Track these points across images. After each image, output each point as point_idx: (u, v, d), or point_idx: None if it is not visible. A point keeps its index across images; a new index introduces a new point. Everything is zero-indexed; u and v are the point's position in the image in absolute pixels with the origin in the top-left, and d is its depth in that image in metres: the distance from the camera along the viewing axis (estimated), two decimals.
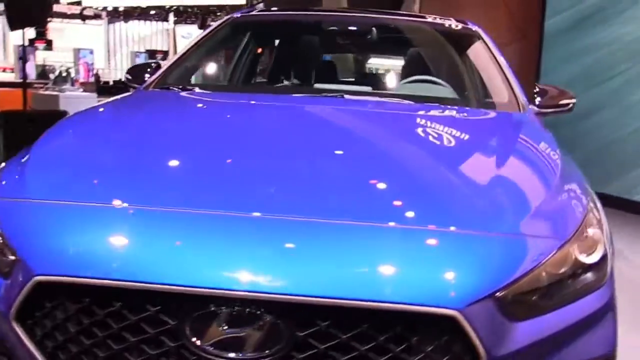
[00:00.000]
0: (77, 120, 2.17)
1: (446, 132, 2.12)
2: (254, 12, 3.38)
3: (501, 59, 2.84)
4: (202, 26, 29.44)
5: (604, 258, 1.49)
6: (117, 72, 27.75)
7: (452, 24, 3.18)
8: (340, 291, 1.21)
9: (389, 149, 1.92)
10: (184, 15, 31.39)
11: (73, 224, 1.39)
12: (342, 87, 2.96)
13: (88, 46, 25.50)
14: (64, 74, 15.15)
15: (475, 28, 3.12)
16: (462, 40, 3.11)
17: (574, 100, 2.74)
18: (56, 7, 26.41)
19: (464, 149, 2.00)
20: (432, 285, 1.28)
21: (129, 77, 2.87)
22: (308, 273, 1.26)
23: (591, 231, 1.53)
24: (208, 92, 2.66)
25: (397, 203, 1.51)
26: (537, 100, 2.70)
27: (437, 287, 1.28)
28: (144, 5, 29.13)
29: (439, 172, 1.75)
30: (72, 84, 13.90)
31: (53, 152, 1.79)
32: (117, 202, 1.45)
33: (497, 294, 1.30)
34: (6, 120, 7.44)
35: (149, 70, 2.84)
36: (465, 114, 2.41)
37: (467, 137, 2.11)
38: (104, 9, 29.25)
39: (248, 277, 1.23)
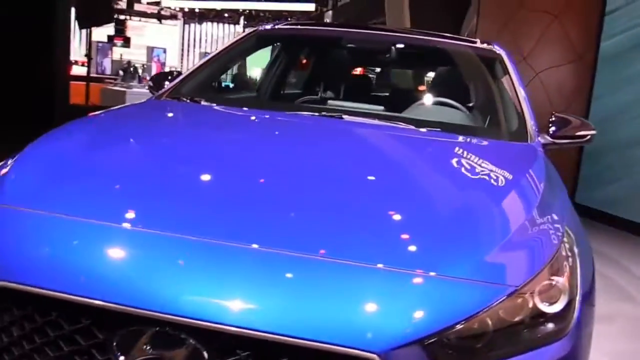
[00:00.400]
0: (70, 128, 2.13)
1: (428, 163, 2.08)
2: (279, 26, 3.32)
3: (518, 85, 2.78)
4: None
5: (568, 307, 1.41)
6: None
7: (476, 46, 3.12)
8: (258, 324, 1.20)
9: (360, 179, 1.83)
10: (256, 19, 32.18)
11: (21, 230, 1.42)
12: (350, 105, 2.90)
13: (163, 45, 26.52)
14: (132, 71, 15.86)
15: (499, 51, 3.04)
16: (483, 63, 3.05)
17: (592, 132, 2.62)
18: (137, 6, 27.70)
19: (439, 182, 1.91)
20: (353, 325, 1.22)
21: (151, 85, 2.93)
22: (229, 302, 1.23)
23: (555, 279, 1.43)
24: (213, 104, 2.61)
25: (340, 237, 1.44)
26: (552, 129, 2.60)
27: (359, 328, 1.22)
28: (218, 7, 30.08)
29: (402, 206, 1.65)
30: (140, 81, 14.54)
31: (35, 158, 1.80)
32: (65, 213, 1.46)
33: (428, 340, 1.23)
34: (69, 114, 7.94)
35: (169, 78, 2.87)
36: (460, 144, 2.31)
37: (448, 169, 2.02)
38: (181, 9, 30.38)
39: (173, 300, 1.23)
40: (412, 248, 1.44)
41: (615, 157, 6.72)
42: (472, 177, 1.96)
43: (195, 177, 1.73)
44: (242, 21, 30.96)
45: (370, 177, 1.86)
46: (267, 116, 2.49)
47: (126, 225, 1.43)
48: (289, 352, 1.18)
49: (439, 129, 2.38)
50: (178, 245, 1.35)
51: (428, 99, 3.02)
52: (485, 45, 3.10)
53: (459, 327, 1.26)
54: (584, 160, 7.22)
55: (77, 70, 15.99)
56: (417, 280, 1.33)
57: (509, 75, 2.83)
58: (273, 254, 1.34)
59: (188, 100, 2.60)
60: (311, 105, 2.90)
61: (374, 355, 1.18)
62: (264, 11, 30.29)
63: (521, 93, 2.70)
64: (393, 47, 3.31)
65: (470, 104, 3.02)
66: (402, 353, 1.20)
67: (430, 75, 3.37)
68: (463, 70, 3.20)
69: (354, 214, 1.56)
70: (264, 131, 2.31)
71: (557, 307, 1.39)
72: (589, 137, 2.61)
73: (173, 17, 30.82)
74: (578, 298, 1.46)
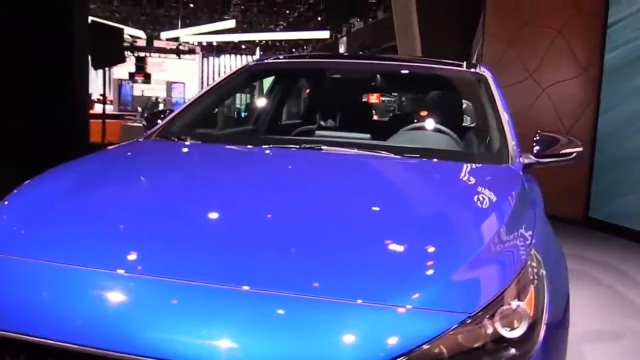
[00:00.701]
0: (57, 171, 2.14)
1: (395, 192, 2.09)
2: (269, 60, 3.37)
3: (501, 106, 2.73)
4: None
5: (530, 331, 1.42)
6: None
7: (460, 69, 3.10)
8: (206, 356, 1.24)
9: (333, 213, 1.82)
10: (272, 49, 32.70)
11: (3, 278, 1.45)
12: (336, 134, 2.96)
13: (182, 79, 27.08)
14: (149, 106, 16.23)
15: (483, 72, 3.01)
16: (468, 86, 3.06)
17: (578, 150, 2.55)
18: (156, 43, 28.40)
19: (404, 210, 1.89)
20: (296, 355, 1.26)
21: (145, 124, 2.92)
22: (213, 344, 1.27)
23: (516, 303, 1.44)
24: (198, 142, 2.63)
25: (307, 276, 1.45)
26: (535, 149, 2.54)
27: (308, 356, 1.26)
28: (236, 40, 30.67)
29: (363, 239, 1.64)
30: None
31: (21, 203, 1.82)
32: (30, 257, 1.50)
33: None
34: (88, 151, 8.16)
35: (162, 117, 2.86)
36: (434, 170, 2.31)
37: (414, 196, 2.04)
38: (199, 44, 31.07)
39: (117, 336, 1.28)
40: (368, 281, 1.44)
41: (622, 171, 6.66)
42: (437, 203, 1.96)
43: (174, 218, 1.73)
44: (257, 52, 31.47)
45: (342, 210, 1.86)
46: (245, 152, 2.51)
47: (110, 270, 1.44)
48: None
49: (417, 155, 2.37)
50: (166, 289, 1.37)
51: (414, 124, 3.03)
52: (470, 69, 3.09)
53: (413, 355, 1.28)
54: (595, 174, 7.16)
55: (99, 108, 16.40)
56: (367, 312, 1.35)
57: (493, 97, 2.80)
58: (259, 295, 1.36)
59: (175, 139, 2.62)
60: (294, 137, 2.93)
61: None
62: (280, 41, 30.82)
63: (504, 115, 2.66)
64: (378, 76, 3.36)
65: (456, 127, 3.01)
66: None
67: (420, 102, 3.39)
68: (448, 94, 3.21)
69: (317, 252, 1.56)
70: (239, 169, 2.31)
71: (518, 332, 1.40)
72: (574, 154, 2.53)
73: (191, 51, 31.50)
74: (544, 321, 1.46)
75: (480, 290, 1.44)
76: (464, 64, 3.14)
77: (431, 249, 1.60)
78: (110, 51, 7.89)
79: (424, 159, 2.36)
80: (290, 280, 1.41)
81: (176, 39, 28.92)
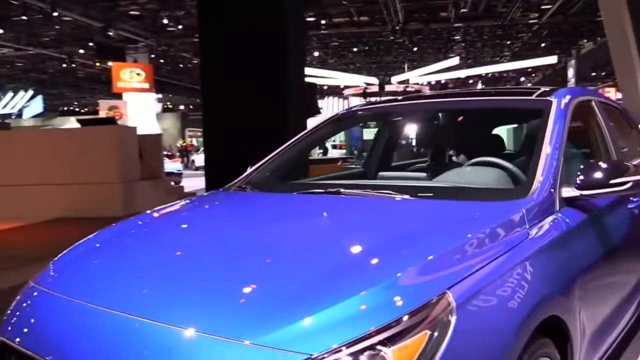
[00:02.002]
0: (119, 226, 2.32)
1: (343, 236, 1.95)
2: (356, 109, 3.36)
3: (548, 137, 2.34)
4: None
5: None
6: None
7: (525, 98, 2.85)
8: None
9: (265, 255, 1.81)
10: (500, 81, 32.79)
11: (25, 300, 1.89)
12: (394, 174, 2.96)
13: None
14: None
15: (550, 100, 2.58)
16: (529, 117, 2.86)
17: (634, 178, 2.20)
18: (387, 87, 30.70)
19: (326, 255, 1.75)
20: None
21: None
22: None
23: (382, 348, 1.36)
24: (255, 192, 2.67)
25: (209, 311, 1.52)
26: (579, 179, 2.18)
27: None
28: (462, 75, 31.58)
29: (266, 279, 1.64)
30: None
31: (75, 251, 2.14)
32: (52, 291, 1.84)
33: None
34: None
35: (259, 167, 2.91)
36: (423, 209, 2.15)
37: (355, 239, 1.89)
38: (428, 83, 32.67)
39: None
40: (243, 318, 1.46)
41: None
42: (370, 244, 1.82)
43: (149, 263, 1.87)
44: (479, 84, 31.83)
45: (273, 252, 1.85)
46: (276, 200, 2.54)
47: (74, 299, 1.74)
48: None
49: (430, 195, 2.27)
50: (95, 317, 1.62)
51: (477, 159, 2.79)
52: (542, 96, 2.69)
53: None
54: None
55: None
56: (214, 348, 1.41)
57: (545, 127, 2.41)
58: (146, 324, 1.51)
59: (246, 189, 2.68)
60: (317, 183, 2.92)
61: None
62: (506, 72, 30.84)
63: (546, 147, 2.28)
64: (440, 114, 3.33)
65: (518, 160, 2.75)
66: None
67: (478, 138, 3.28)
68: (508, 126, 3.34)
69: (223, 290, 1.61)
70: (254, 216, 2.32)
71: None
72: (630, 184, 2.19)
73: (418, 92, 33.12)
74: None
75: (337, 332, 1.38)
76: (538, 91, 2.79)
77: (310, 290, 1.53)
78: (309, 104, 8.95)
79: (428, 200, 2.22)
80: (180, 315, 1.52)
81: (406, 81, 30.87)
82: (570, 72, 25.22)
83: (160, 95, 32.79)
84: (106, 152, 9.52)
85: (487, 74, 31.14)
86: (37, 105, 30.50)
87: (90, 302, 1.68)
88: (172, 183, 13.62)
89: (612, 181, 2.16)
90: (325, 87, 34.43)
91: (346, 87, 31.09)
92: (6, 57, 24.34)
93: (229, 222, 2.28)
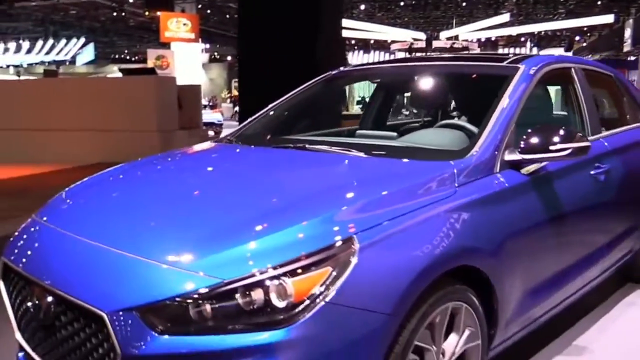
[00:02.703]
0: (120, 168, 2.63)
1: (292, 182, 2.21)
2: (345, 70, 3.48)
3: (503, 102, 2.43)
4: (570, 48, 29.26)
5: (295, 306, 1.54)
6: None
7: (496, 64, 2.86)
8: (69, 289, 1.74)
9: (211, 197, 2.10)
10: (554, 40, 31.67)
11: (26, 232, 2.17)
12: (370, 133, 3.10)
13: None
14: None
15: (519, 67, 2.66)
16: (498, 82, 2.68)
17: (574, 145, 2.26)
18: (435, 43, 30.13)
19: (263, 196, 2.02)
20: (99, 293, 1.67)
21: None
22: (59, 277, 1.81)
23: (285, 279, 1.56)
24: (239, 144, 2.89)
25: (143, 239, 1.81)
26: (522, 143, 2.28)
27: (103, 295, 1.66)
28: (514, 33, 30.63)
29: (203, 217, 1.88)
30: None
31: (70, 190, 2.43)
32: (43, 220, 2.16)
33: (141, 309, 1.57)
34: None
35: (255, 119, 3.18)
36: (362, 164, 2.33)
37: (294, 185, 2.15)
38: (478, 40, 31.82)
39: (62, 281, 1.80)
40: (169, 246, 1.72)
41: None
42: (302, 190, 2.05)
43: (124, 201, 2.18)
44: (529, 43, 30.80)
45: (221, 195, 2.10)
46: (245, 152, 2.79)
47: (60, 229, 2.04)
48: (70, 304, 1.74)
49: (382, 153, 2.42)
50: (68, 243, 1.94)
51: (445, 121, 2.98)
52: (504, 64, 2.77)
53: (170, 302, 1.57)
54: None
55: None
56: (148, 266, 1.67)
57: (504, 93, 2.49)
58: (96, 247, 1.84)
59: (233, 142, 2.93)
60: (291, 138, 2.98)
61: (103, 313, 1.61)
62: (560, 30, 29.72)
63: (497, 112, 2.38)
64: (416, 77, 3.37)
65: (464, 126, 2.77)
66: (122, 314, 1.59)
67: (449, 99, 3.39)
68: (476, 90, 3.03)
69: (168, 223, 1.89)
70: (221, 165, 2.60)
71: (282, 304, 1.55)
72: (570, 150, 2.25)
73: (465, 49, 32.33)
74: (327, 300, 1.56)
75: (248, 264, 1.60)
76: (511, 58, 2.84)
77: (235, 227, 1.76)
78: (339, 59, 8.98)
79: (376, 157, 2.37)
80: (136, 243, 1.79)
81: (454, 38, 30.17)
82: (628, 33, 24.05)
83: (207, 46, 33.14)
84: (145, 101, 9.91)
85: (539, 32, 30.10)
86: (89, 53, 31.29)
87: (70, 231, 1.98)
88: (212, 133, 13.98)
89: (553, 147, 2.26)
90: (372, 42, 34.01)
91: (393, 41, 30.64)
92: (60, 5, 25.01)
93: (198, 169, 2.55)
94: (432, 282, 1.79)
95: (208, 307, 1.56)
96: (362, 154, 2.40)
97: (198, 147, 2.99)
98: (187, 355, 1.55)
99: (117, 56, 39.92)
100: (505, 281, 2.14)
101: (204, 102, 25.01)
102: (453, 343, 1.98)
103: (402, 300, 1.68)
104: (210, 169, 2.56)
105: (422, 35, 29.27)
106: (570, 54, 27.29)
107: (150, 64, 23.27)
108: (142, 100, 9.92)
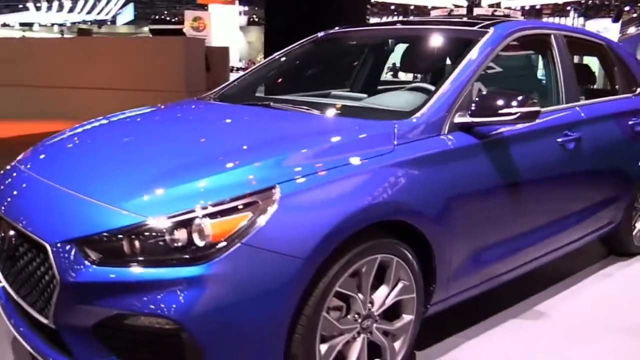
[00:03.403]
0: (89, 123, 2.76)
1: (241, 134, 2.33)
2: (332, 31, 3.49)
3: (462, 66, 2.48)
4: (618, 18, 28.09)
5: (212, 246, 1.68)
6: None
7: (464, 28, 2.92)
8: (26, 223, 1.92)
9: (171, 146, 2.22)
10: (602, 9, 30.40)
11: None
12: (337, 92, 3.15)
13: None
14: None
15: (486, 31, 2.68)
16: (464, 46, 2.70)
17: (523, 109, 2.29)
18: (476, 10, 29.35)
19: (210, 146, 2.18)
20: (46, 227, 1.86)
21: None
22: (30, 217, 1.96)
23: (204, 220, 1.70)
24: (216, 102, 3.03)
25: (93, 181, 1.98)
26: (473, 106, 2.33)
27: (50, 229, 1.84)
28: (560, 1, 29.58)
29: (154, 162, 2.04)
30: None
31: (49, 140, 2.56)
32: (20, 165, 2.30)
33: (78, 241, 1.74)
34: None
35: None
36: (311, 121, 2.43)
37: (240, 137, 2.26)
38: (522, 8, 30.85)
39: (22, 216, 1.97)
40: (109, 187, 1.90)
41: None
42: (252, 142, 2.15)
43: (90, 150, 2.36)
44: (572, 13, 29.68)
45: (169, 145, 2.25)
46: (211, 108, 2.93)
47: (34, 174, 2.18)
48: (29, 239, 1.91)
49: (339, 112, 2.52)
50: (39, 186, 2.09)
51: (412, 84, 3.02)
52: (476, 28, 2.78)
53: (102, 236, 1.73)
54: None
55: None
56: (86, 205, 1.85)
57: (464, 57, 2.53)
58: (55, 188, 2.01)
59: (209, 100, 3.09)
60: (261, 97, 3.18)
61: (47, 244, 1.79)
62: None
63: (454, 76, 2.43)
64: (390, 40, 3.50)
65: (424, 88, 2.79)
66: (63, 245, 1.76)
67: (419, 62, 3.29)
68: (446, 54, 3.03)
69: (116, 168, 2.06)
70: (188, 117, 2.76)
71: (200, 242, 1.69)
72: (518, 114, 2.28)
73: (507, 16, 31.43)
74: (237, 245, 1.69)
75: (174, 204, 1.75)
76: (485, 23, 2.84)
77: (171, 172, 1.91)
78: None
79: (328, 116, 2.48)
80: (86, 185, 1.97)
81: (496, 5, 29.33)
82: None
83: (245, 8, 33.10)
84: (173, 62, 10.05)
85: (586, 0, 28.99)
86: (129, 13, 31.69)
87: (38, 175, 2.15)
88: None
89: (502, 111, 2.30)
90: (412, 7, 33.35)
91: (433, 7, 29.97)
92: None
93: (162, 122, 2.69)
94: (354, 233, 1.88)
95: (136, 242, 1.72)
96: (317, 112, 2.48)
97: (177, 102, 3.11)
98: (115, 284, 1.70)
99: (156, 17, 40.24)
100: (445, 240, 2.21)
101: (239, 64, 25.05)
102: (383, 294, 2.08)
103: (319, 247, 1.78)
104: (172, 121, 2.69)
105: (463, 2, 28.54)
106: (618, 25, 26.25)
107: (187, 25, 23.49)
108: (169, 61, 10.08)
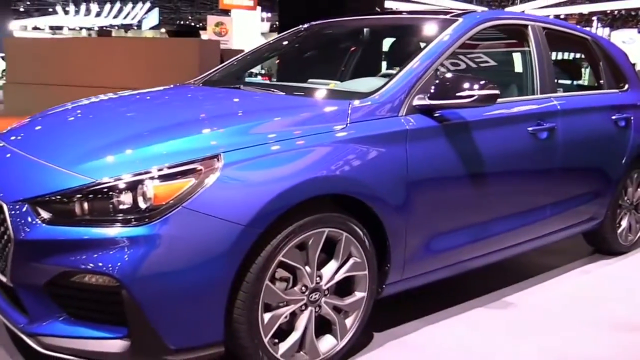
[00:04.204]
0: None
1: (208, 111, 2.42)
2: (314, 24, 3.55)
3: (427, 51, 2.53)
4: None
5: (154, 209, 1.76)
6: None
7: (438, 16, 2.92)
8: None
9: (145, 118, 2.35)
10: (629, 19, 29.99)
11: None
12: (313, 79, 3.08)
13: None
14: None
15: (457, 19, 2.73)
16: (432, 33, 2.76)
17: (482, 92, 2.29)
18: None
19: (184, 119, 2.22)
20: (10, 190, 1.95)
21: None
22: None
23: (150, 183, 1.79)
24: (196, 86, 3.13)
25: (62, 150, 2.07)
26: (432, 89, 2.36)
27: (10, 190, 1.95)
28: (585, 11, 29.27)
29: (126, 132, 2.11)
30: None
31: (31, 118, 2.67)
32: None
33: (31, 201, 1.84)
34: None
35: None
36: (272, 100, 2.55)
37: (213, 113, 2.36)
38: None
39: None
40: (66, 153, 2.00)
41: None
42: (215, 115, 2.31)
43: (65, 124, 2.47)
44: (595, 23, 29.31)
45: (134, 119, 2.36)
46: (188, 90, 2.98)
47: (11, 147, 2.27)
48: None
49: (302, 93, 2.60)
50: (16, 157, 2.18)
51: (383, 72, 3.04)
52: (448, 17, 2.83)
53: (53, 197, 1.83)
54: None
55: None
56: (42, 169, 1.98)
57: (429, 43, 2.60)
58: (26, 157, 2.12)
59: (192, 84, 3.19)
60: (239, 80, 3.30)
61: (4, 203, 1.91)
62: (636, 9, 28.13)
63: (415, 60, 2.47)
64: (365, 29, 3.56)
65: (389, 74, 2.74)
66: (18, 205, 1.87)
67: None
68: (418, 41, 2.98)
69: (79, 138, 2.17)
70: (165, 99, 2.79)
71: (143, 205, 1.78)
72: (476, 97, 2.29)
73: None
74: (178, 208, 1.76)
75: (122, 168, 1.85)
76: (458, 12, 2.88)
77: (122, 139, 2.02)
78: None
79: (294, 96, 2.57)
80: (47, 152, 2.08)
81: None
82: None
83: (268, 14, 33.39)
84: (188, 63, 10.21)
85: (612, 11, 28.64)
86: (154, 18, 32.24)
87: (14, 147, 2.26)
88: None
89: (459, 93, 2.31)
90: None
91: None
92: None
93: (138, 102, 2.76)
94: (298, 204, 1.92)
95: (84, 202, 1.81)
96: (281, 93, 2.63)
97: (159, 88, 3.19)
98: (63, 242, 1.78)
99: (181, 22, 40.87)
100: (400, 220, 2.24)
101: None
102: (332, 268, 2.11)
103: (260, 215, 1.84)
104: (143, 101, 2.76)
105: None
106: None
107: (209, 30, 23.74)
108: (185, 61, 10.25)
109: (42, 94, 10.14)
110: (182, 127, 2.08)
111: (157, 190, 1.79)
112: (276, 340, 2.02)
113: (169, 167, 1.83)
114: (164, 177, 1.81)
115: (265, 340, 1.95)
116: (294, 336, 2.05)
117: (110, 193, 1.80)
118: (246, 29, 24.82)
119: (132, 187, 1.80)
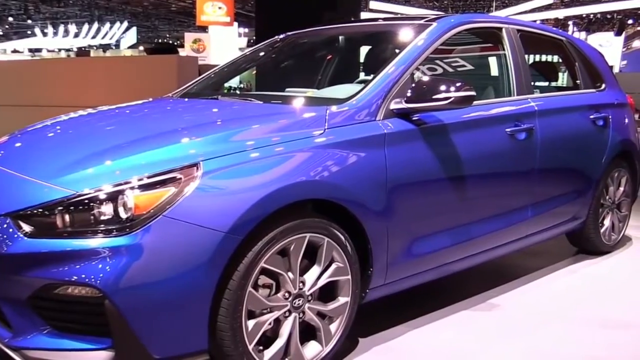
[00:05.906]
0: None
1: (189, 120, 2.42)
2: (290, 34, 3.55)
3: (403, 56, 2.54)
4: (621, 31, 28.15)
5: (135, 219, 1.75)
6: None
7: (413, 22, 2.91)
8: None
9: (125, 130, 2.34)
10: (604, 24, 30.48)
11: None
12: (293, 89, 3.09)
13: None
14: None
15: (430, 24, 2.75)
16: (401, 39, 2.81)
17: (458, 94, 2.30)
18: None
19: (162, 129, 2.21)
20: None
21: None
22: None
23: (130, 193, 1.78)
24: (174, 98, 3.15)
25: (41, 165, 2.07)
26: (408, 92, 2.37)
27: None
28: (560, 16, 29.69)
29: (109, 146, 2.07)
30: None
31: (14, 134, 2.65)
32: None
33: (13, 215, 1.84)
34: None
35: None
36: (253, 109, 2.56)
37: (198, 120, 2.37)
38: None
39: None
40: (47, 168, 2.00)
41: None
42: (192, 125, 2.27)
43: (46, 139, 2.45)
44: (571, 27, 29.77)
45: (114, 132, 2.35)
46: (166, 102, 2.97)
47: None
48: None
49: (279, 101, 2.61)
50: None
51: (360, 77, 3.06)
52: (422, 22, 2.85)
53: (34, 210, 1.83)
54: None
55: None
56: (23, 183, 1.98)
57: (403, 48, 2.60)
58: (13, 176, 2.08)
59: (173, 97, 3.21)
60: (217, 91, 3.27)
61: None
62: (611, 12, 28.60)
63: (390, 65, 2.48)
64: (340, 37, 3.57)
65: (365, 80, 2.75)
66: (1, 220, 1.86)
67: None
68: (394, 47, 2.92)
69: (59, 152, 2.15)
70: (144, 112, 2.78)
71: (124, 215, 1.77)
72: (452, 99, 2.29)
73: None
74: (159, 217, 1.75)
75: (101, 179, 1.84)
76: (432, 17, 2.91)
77: (101, 151, 2.02)
78: None
79: (271, 104, 2.59)
80: (27, 167, 2.08)
81: None
82: None
83: (245, 30, 33.48)
84: (167, 79, 10.14)
85: (587, 15, 29.03)
86: (132, 37, 32.11)
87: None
88: None
89: (436, 96, 2.31)
90: None
91: None
92: None
93: (117, 115, 2.73)
94: (278, 210, 1.91)
95: (65, 215, 1.80)
96: (258, 101, 2.66)
97: (137, 101, 3.16)
98: (46, 254, 1.77)
99: (158, 40, 40.77)
100: (381, 224, 2.23)
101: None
102: (315, 274, 2.09)
103: (241, 222, 1.83)
104: (122, 115, 2.75)
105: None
106: (621, 38, 26.26)
107: (187, 47, 23.74)
108: (163, 78, 10.17)
109: (19, 116, 9.99)
110: (161, 137, 2.08)
111: (138, 200, 1.79)
112: (261, 348, 2.00)
113: (149, 177, 1.83)
114: (144, 187, 1.81)
115: (250, 347, 1.93)
116: (279, 343, 2.02)
117: (91, 204, 1.79)
118: (224, 45, 24.82)
119: (113, 197, 1.79)
